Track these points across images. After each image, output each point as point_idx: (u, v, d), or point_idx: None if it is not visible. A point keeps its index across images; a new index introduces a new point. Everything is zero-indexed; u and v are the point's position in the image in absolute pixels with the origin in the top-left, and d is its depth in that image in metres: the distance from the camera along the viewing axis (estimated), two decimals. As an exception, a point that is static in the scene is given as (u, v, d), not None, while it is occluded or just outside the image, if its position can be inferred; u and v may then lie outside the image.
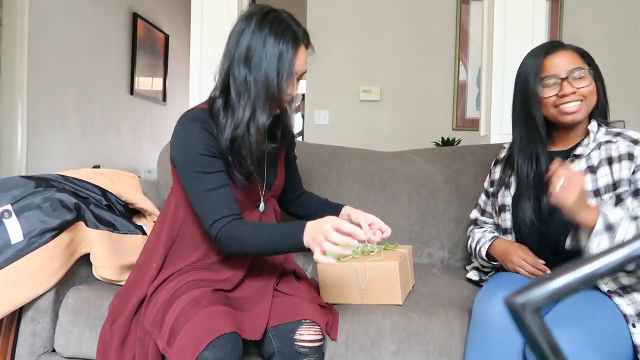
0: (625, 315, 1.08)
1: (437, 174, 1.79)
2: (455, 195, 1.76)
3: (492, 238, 1.35)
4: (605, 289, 1.12)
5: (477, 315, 1.13)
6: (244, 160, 1.17)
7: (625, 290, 1.11)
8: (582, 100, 1.19)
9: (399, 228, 1.75)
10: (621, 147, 1.16)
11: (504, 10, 2.02)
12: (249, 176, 1.19)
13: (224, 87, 1.17)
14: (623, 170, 1.14)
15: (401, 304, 1.24)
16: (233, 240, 1.11)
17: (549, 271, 1.21)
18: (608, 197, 1.15)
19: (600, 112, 1.24)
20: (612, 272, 0.36)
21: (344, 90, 3.38)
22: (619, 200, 1.13)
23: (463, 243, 1.74)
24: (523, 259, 1.23)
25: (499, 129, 2.11)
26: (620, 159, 1.15)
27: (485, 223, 1.47)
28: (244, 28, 1.15)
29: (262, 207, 1.27)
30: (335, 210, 1.39)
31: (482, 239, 1.39)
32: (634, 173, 1.14)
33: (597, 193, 1.16)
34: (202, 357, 0.96)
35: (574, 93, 1.18)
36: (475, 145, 1.95)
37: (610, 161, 1.17)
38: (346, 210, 1.37)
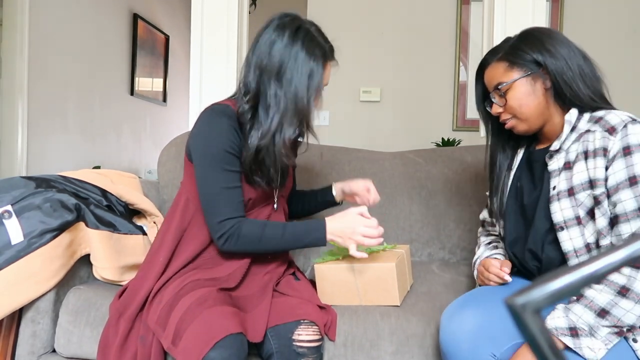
0: None
1: (437, 174, 1.79)
2: (455, 195, 1.76)
3: (484, 257, 1.26)
4: None
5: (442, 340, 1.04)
6: (266, 169, 1.19)
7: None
8: (512, 116, 1.12)
9: (399, 228, 1.75)
10: (597, 137, 1.01)
11: (504, 10, 2.03)
12: (269, 182, 1.21)
13: (254, 96, 1.17)
14: (597, 169, 1.00)
15: (399, 304, 1.24)
16: (246, 237, 1.14)
17: (507, 278, 1.13)
18: (584, 196, 1.02)
19: (569, 99, 1.07)
20: (612, 272, 0.36)
21: (344, 91, 3.38)
22: (596, 203, 1.00)
23: (463, 243, 1.74)
24: (489, 272, 1.17)
25: (499, 129, 2.11)
26: (595, 153, 1.01)
27: (492, 225, 1.38)
28: (275, 39, 1.15)
29: (276, 205, 1.29)
30: (326, 193, 1.45)
31: (478, 258, 1.29)
32: (606, 179, 0.99)
33: (570, 192, 1.04)
34: (208, 356, 0.96)
35: (502, 112, 1.13)
36: (475, 145, 1.95)
37: (586, 155, 1.03)
38: (337, 187, 1.44)
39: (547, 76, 1.08)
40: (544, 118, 1.11)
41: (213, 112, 1.17)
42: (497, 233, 1.33)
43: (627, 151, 0.97)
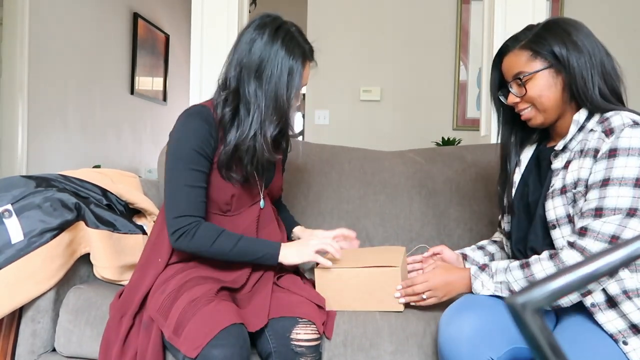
0: (611, 335, 0.96)
1: (437, 174, 1.79)
2: (456, 195, 1.76)
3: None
4: (588, 302, 0.99)
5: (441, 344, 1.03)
6: (243, 166, 1.19)
7: (611, 302, 0.97)
8: (531, 106, 1.08)
9: (399, 228, 1.75)
10: (594, 137, 1.00)
11: (504, 10, 2.02)
12: (246, 179, 1.22)
13: (234, 93, 1.18)
14: (583, 169, 1.00)
15: (402, 310, 1.23)
16: (199, 239, 1.12)
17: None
18: (573, 194, 1.02)
19: (581, 98, 1.05)
20: (612, 271, 0.36)
21: (344, 90, 3.38)
22: (574, 201, 1.01)
23: (463, 242, 1.74)
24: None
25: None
26: (587, 153, 1.00)
27: (499, 226, 1.34)
28: (255, 38, 1.17)
29: (262, 203, 1.29)
30: (289, 228, 1.43)
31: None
32: (587, 185, 0.99)
33: (562, 190, 1.03)
34: (210, 353, 0.97)
35: (519, 102, 1.09)
36: (475, 145, 1.95)
37: (581, 154, 1.02)
38: (296, 232, 1.43)
39: (568, 69, 1.04)
40: (559, 112, 1.09)
41: (186, 114, 1.20)
42: (498, 238, 1.36)
43: (612, 153, 0.96)
